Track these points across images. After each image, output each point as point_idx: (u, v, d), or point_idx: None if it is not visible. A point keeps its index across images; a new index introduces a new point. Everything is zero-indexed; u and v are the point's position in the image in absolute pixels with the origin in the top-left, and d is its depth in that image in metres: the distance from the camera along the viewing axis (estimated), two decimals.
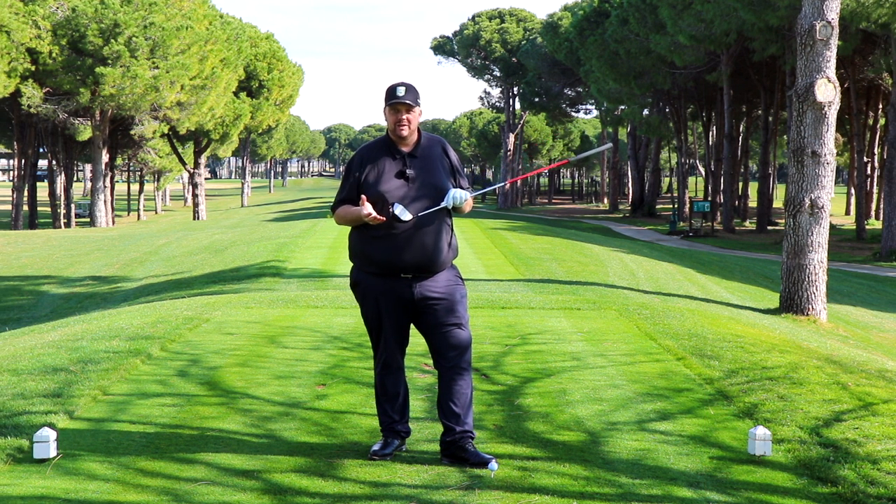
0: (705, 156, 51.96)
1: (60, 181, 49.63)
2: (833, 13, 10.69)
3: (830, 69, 10.76)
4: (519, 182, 72.11)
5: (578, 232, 31.86)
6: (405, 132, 4.14)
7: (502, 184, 4.78)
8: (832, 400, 5.24)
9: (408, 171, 4.13)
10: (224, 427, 4.67)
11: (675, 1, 35.60)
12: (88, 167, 67.39)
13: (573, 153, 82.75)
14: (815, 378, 5.80)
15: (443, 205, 4.10)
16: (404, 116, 4.13)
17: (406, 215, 4.01)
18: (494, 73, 70.14)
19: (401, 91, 4.11)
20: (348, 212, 4.17)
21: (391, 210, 4.01)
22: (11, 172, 69.69)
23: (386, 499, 3.72)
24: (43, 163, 69.71)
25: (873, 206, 48.87)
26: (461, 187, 4.29)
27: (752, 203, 56.08)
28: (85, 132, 41.03)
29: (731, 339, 7.29)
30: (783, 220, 27.47)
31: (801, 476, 4.05)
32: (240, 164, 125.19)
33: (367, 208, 4.04)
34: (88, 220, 45.95)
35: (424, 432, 4.61)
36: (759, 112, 46.50)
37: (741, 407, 5.14)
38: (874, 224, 42.91)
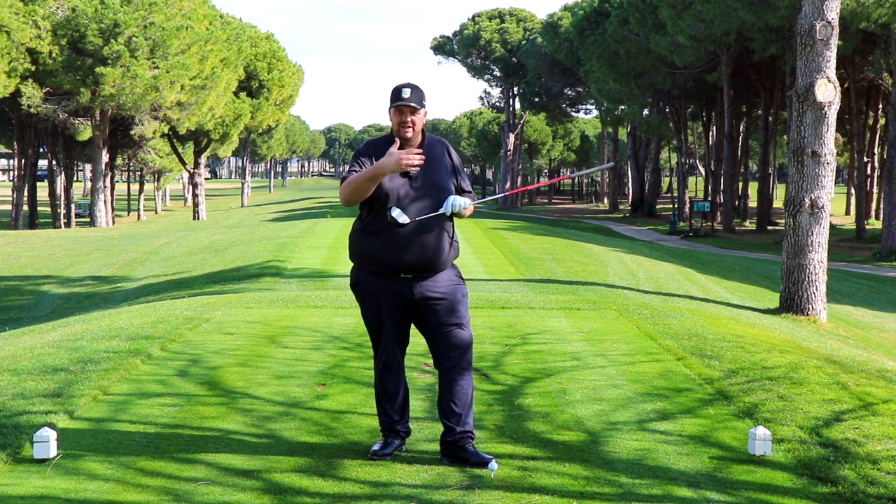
0: (705, 156, 51.97)
1: (60, 181, 49.63)
2: (833, 13, 10.69)
3: (830, 69, 10.76)
4: (519, 181, 72.05)
5: (578, 232, 31.86)
6: (409, 134, 4.13)
7: (503, 194, 4.78)
8: (832, 400, 5.24)
9: (411, 171, 4.13)
10: (224, 427, 4.67)
11: (675, 1, 35.60)
12: (88, 167, 67.40)
13: (573, 153, 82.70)
14: (815, 378, 5.80)
15: (441, 211, 4.09)
16: (409, 118, 4.12)
17: (403, 218, 4.00)
18: (494, 73, 70.16)
19: (406, 93, 4.10)
20: (361, 173, 4.03)
21: (389, 213, 4.01)
22: (11, 172, 69.69)
23: (386, 499, 3.71)
24: (43, 163, 69.74)
25: (873, 206, 48.89)
26: (462, 188, 4.29)
27: (752, 203, 56.11)
28: (85, 132, 41.03)
29: (731, 339, 7.29)
30: (783, 220, 27.47)
31: (801, 476, 4.05)
32: (240, 164, 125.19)
33: (394, 149, 3.96)
34: (88, 220, 45.95)
35: (424, 432, 4.61)
36: (759, 112, 46.50)
37: (741, 407, 5.14)
38: (874, 224, 42.92)
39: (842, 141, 49.51)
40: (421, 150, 4.00)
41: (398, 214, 4.00)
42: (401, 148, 4.16)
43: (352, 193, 4.06)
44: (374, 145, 4.22)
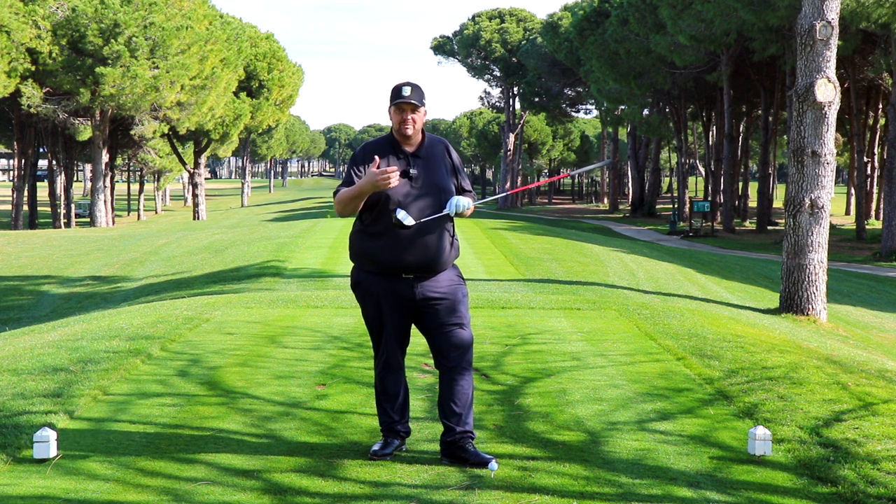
0: (705, 156, 51.97)
1: (60, 181, 49.64)
2: (833, 13, 10.69)
3: (830, 69, 10.76)
4: (519, 180, 72.04)
5: (578, 232, 31.86)
6: (410, 131, 4.13)
7: (504, 194, 4.78)
8: (832, 400, 5.24)
9: (411, 171, 4.13)
10: (224, 427, 4.67)
11: (675, 1, 35.60)
12: (88, 167, 67.40)
13: (573, 153, 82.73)
14: (815, 378, 5.80)
15: (445, 212, 4.09)
16: (409, 116, 4.12)
17: (409, 220, 4.00)
18: (494, 73, 70.17)
19: (406, 91, 4.10)
20: (348, 190, 4.06)
21: (394, 215, 4.01)
22: (11, 172, 69.70)
23: (386, 499, 3.71)
24: (43, 163, 69.78)
25: (873, 206, 48.89)
26: (463, 187, 4.29)
27: (752, 203, 56.11)
28: (85, 132, 41.03)
29: (731, 339, 7.29)
30: (783, 220, 27.47)
31: (801, 476, 4.05)
32: (240, 164, 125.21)
33: (373, 169, 3.95)
34: (88, 220, 45.95)
35: (424, 432, 4.61)
36: (759, 112, 46.50)
37: (741, 407, 5.14)
38: (874, 224, 42.92)
39: (842, 141, 49.51)
40: (396, 168, 3.99)
41: (403, 217, 4.00)
42: (401, 144, 4.16)
43: (343, 209, 4.13)
44: (371, 147, 4.21)
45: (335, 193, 4.17)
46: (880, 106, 44.66)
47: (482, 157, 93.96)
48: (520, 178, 72.38)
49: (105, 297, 16.07)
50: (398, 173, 3.99)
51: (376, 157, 4.04)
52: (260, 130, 61.67)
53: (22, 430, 4.44)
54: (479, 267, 15.62)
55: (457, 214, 4.13)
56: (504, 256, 17.71)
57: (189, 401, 5.18)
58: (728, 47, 37.71)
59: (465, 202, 4.11)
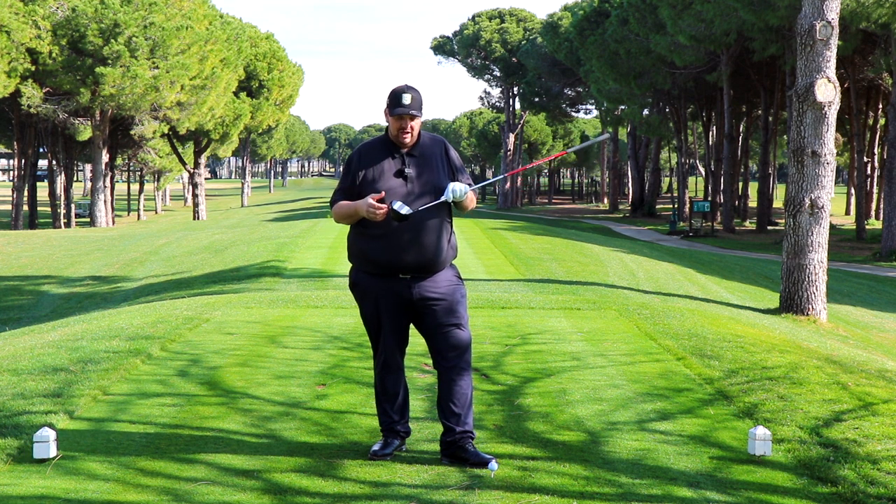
0: (705, 156, 51.97)
1: (60, 181, 49.63)
2: (833, 13, 10.69)
3: (830, 69, 10.76)
4: (519, 181, 72.00)
5: (578, 232, 31.86)
6: (408, 140, 4.14)
7: (502, 176, 4.75)
8: (832, 400, 5.24)
9: (406, 171, 4.13)
10: (224, 427, 4.67)
11: (675, 1, 35.59)
12: (88, 167, 67.39)
13: (573, 153, 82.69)
14: (815, 378, 5.80)
15: (443, 199, 4.08)
16: (409, 125, 4.12)
17: (405, 210, 4.00)
18: (494, 73, 70.15)
19: (406, 99, 4.08)
20: (345, 206, 4.13)
21: (391, 205, 4.01)
22: (11, 172, 69.71)
23: (386, 499, 3.72)
24: (43, 163, 69.76)
25: (873, 206, 48.89)
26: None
27: (752, 203, 56.10)
28: (85, 132, 41.03)
29: (731, 339, 7.29)
30: (783, 220, 27.47)
31: (801, 476, 4.05)
32: (240, 164, 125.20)
33: (370, 200, 4.01)
34: (88, 220, 45.95)
35: (424, 432, 4.61)
36: (759, 112, 46.50)
37: (741, 407, 5.14)
38: (874, 224, 42.92)
39: (842, 141, 49.51)
40: (385, 207, 4.00)
41: (400, 206, 3.99)
42: (394, 148, 4.17)
43: (340, 220, 4.20)
44: (367, 149, 4.21)
45: (332, 201, 4.22)
46: (880, 106, 44.65)
47: (482, 157, 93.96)
48: (520, 178, 72.33)
49: (105, 297, 16.07)
50: (385, 211, 4.01)
51: (382, 192, 4.05)
52: (260, 130, 61.67)
53: (22, 430, 4.44)
54: (479, 267, 15.62)
55: (456, 202, 4.11)
56: (504, 256, 17.72)
57: (189, 401, 5.18)
58: (728, 47, 37.71)
59: (462, 187, 4.08)
